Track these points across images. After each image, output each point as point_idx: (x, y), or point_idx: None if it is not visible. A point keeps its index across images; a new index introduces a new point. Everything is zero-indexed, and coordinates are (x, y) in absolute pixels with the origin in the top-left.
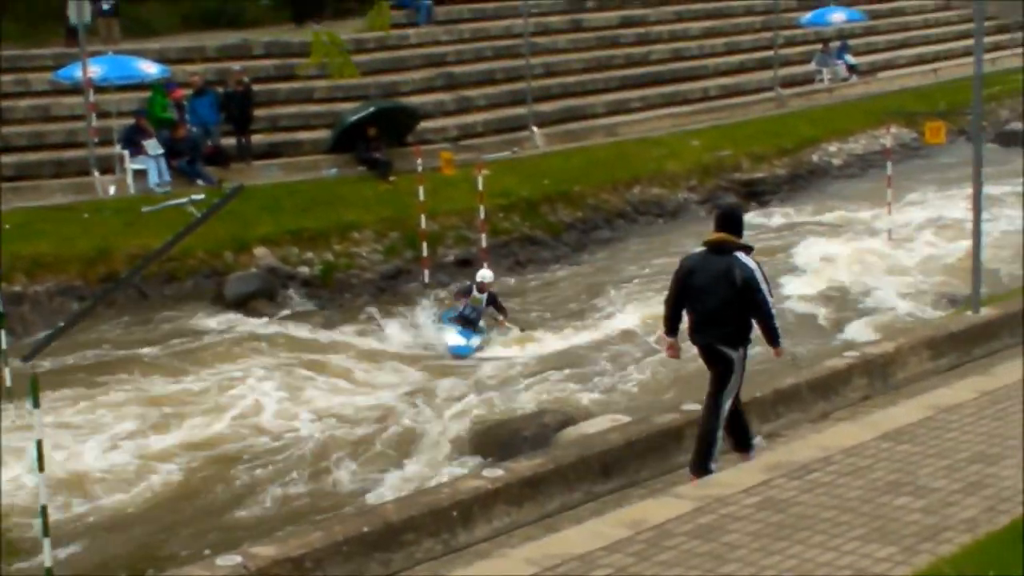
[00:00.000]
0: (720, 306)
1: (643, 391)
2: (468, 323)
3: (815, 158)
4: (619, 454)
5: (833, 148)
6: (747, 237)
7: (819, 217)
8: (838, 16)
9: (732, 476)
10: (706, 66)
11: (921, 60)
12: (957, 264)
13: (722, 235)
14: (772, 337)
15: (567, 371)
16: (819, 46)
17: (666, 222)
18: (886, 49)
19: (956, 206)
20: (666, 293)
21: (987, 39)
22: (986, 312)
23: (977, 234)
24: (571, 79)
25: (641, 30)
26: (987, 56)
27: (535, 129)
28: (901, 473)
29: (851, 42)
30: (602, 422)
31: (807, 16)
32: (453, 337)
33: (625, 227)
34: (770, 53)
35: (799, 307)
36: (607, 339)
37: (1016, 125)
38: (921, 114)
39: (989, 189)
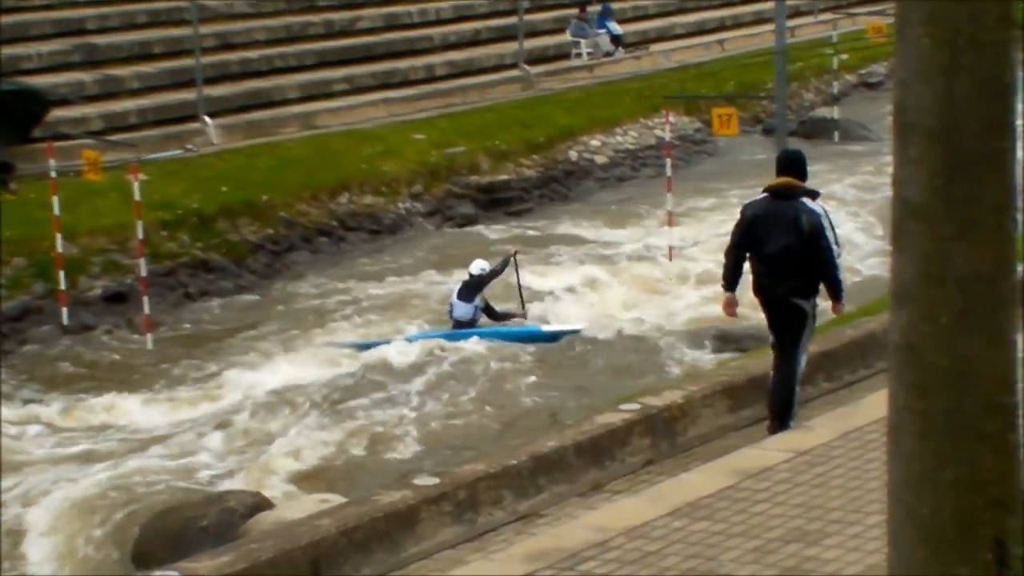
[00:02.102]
0: (788, 256)
1: (356, 457)
2: (463, 326)
3: (573, 155)
4: (333, 546)
5: (596, 142)
6: (488, 253)
7: (580, 231)
8: None
9: (481, 571)
10: (430, 37)
11: (703, 29)
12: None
13: (786, 179)
14: (835, 292)
15: (252, 434)
16: (575, 11)
17: (385, 240)
18: (659, 15)
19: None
20: (727, 244)
21: (786, 2)
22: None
23: None
24: (253, 53)
25: None
26: (786, 24)
27: (207, 120)
28: (699, 559)
29: (615, 6)
30: (308, 504)
31: None
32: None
33: (330, 247)
34: (513, 20)
35: (557, 347)
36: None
37: (824, 111)
38: (706, 98)
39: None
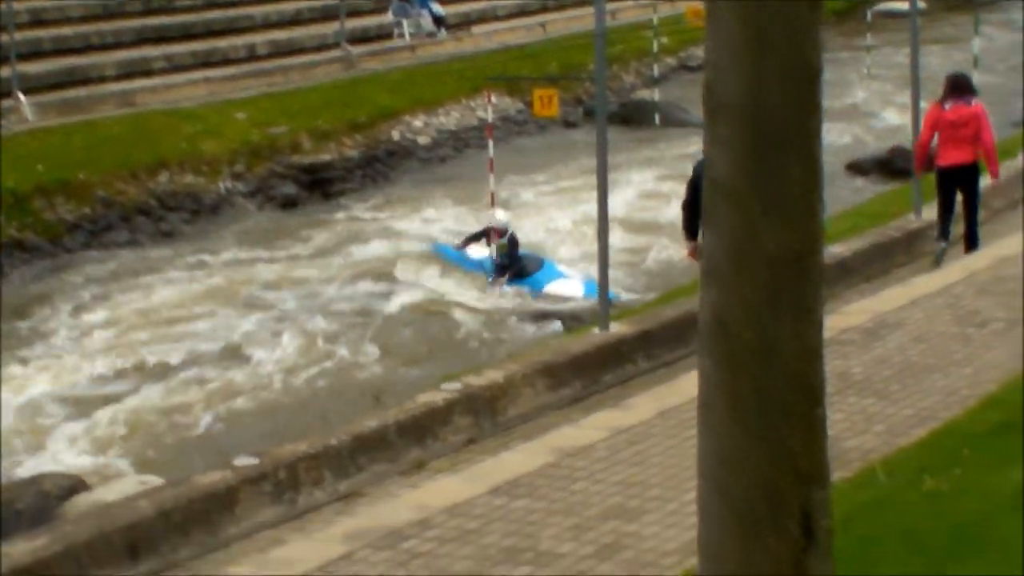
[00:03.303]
0: None
1: (175, 436)
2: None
3: (396, 135)
4: (151, 528)
5: (419, 123)
6: (312, 236)
7: (402, 210)
8: None
9: (300, 550)
10: (251, 15)
11: (525, 11)
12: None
13: None
14: None
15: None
16: None
17: (205, 220)
18: None
19: (581, 197)
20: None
21: None
22: (616, 329)
23: (604, 233)
24: (68, 30)
25: None
26: (606, 7)
27: (21, 96)
28: (519, 536)
29: None
30: (126, 485)
31: None
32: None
33: (150, 227)
34: (335, 0)
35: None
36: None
37: (645, 94)
38: (528, 79)
39: (632, 175)
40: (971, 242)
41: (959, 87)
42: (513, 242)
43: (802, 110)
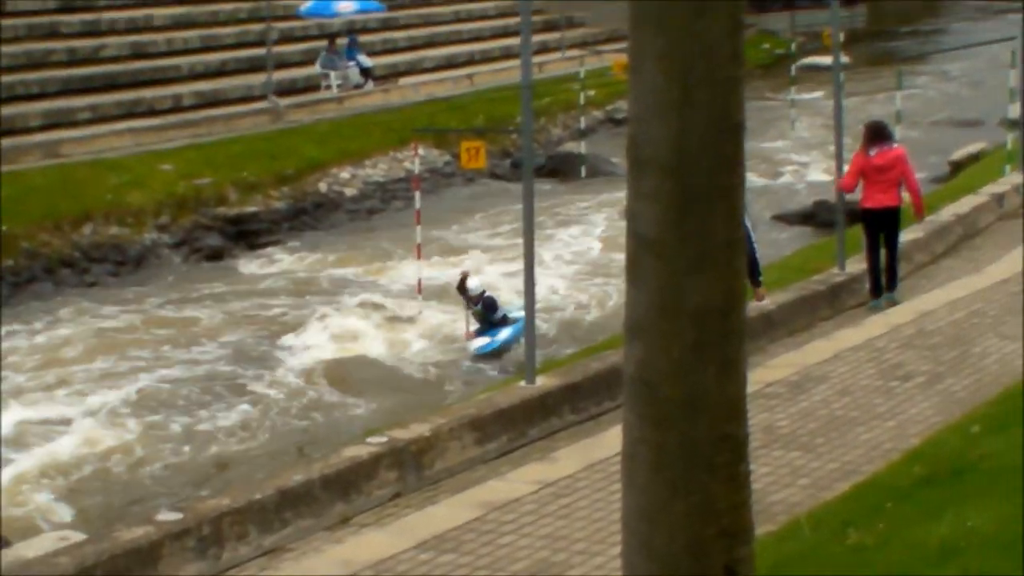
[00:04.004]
0: None
1: (97, 492)
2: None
3: (323, 187)
4: None
5: (346, 175)
6: (235, 288)
7: (329, 263)
8: (346, 4)
9: None
10: (177, 66)
11: (452, 63)
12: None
13: None
14: (754, 272)
15: None
16: (325, 43)
17: (130, 272)
18: (408, 48)
19: (509, 248)
20: None
21: (533, 38)
22: (543, 382)
23: (530, 284)
24: None
25: (89, 16)
26: (533, 60)
27: None
28: None
29: (365, 38)
30: (46, 542)
31: (308, 4)
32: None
33: (74, 279)
34: (262, 51)
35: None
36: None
37: (572, 146)
38: (455, 131)
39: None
40: (892, 281)
41: (879, 133)
42: (488, 306)
43: (726, 165)
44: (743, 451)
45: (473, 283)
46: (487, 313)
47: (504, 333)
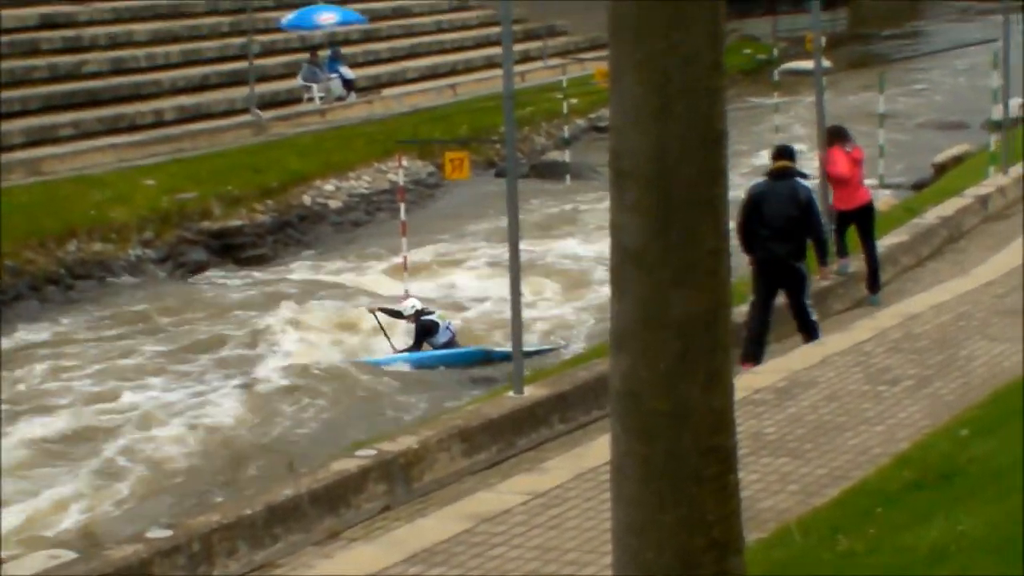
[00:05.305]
0: (789, 223)
1: (88, 509)
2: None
3: (307, 200)
4: None
5: (330, 187)
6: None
7: (316, 276)
8: (328, 16)
9: None
10: (159, 81)
11: (435, 73)
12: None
13: (784, 163)
14: (822, 253)
15: None
16: (306, 55)
17: (114, 287)
18: (391, 59)
19: (497, 259)
20: (736, 220)
21: (515, 48)
22: (531, 392)
23: (516, 295)
24: None
25: (69, 33)
26: (516, 69)
27: None
28: None
29: (347, 50)
30: (36, 561)
31: (289, 17)
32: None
33: (59, 295)
34: (244, 65)
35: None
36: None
37: (555, 154)
38: (439, 142)
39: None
40: (874, 284)
41: (840, 134)
42: (422, 328)
43: (708, 175)
44: (732, 462)
45: (408, 304)
46: (422, 335)
47: (414, 354)
